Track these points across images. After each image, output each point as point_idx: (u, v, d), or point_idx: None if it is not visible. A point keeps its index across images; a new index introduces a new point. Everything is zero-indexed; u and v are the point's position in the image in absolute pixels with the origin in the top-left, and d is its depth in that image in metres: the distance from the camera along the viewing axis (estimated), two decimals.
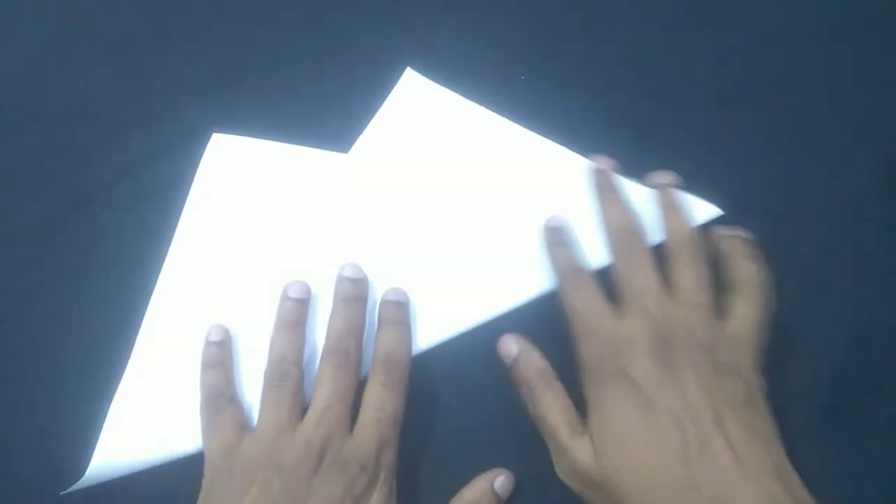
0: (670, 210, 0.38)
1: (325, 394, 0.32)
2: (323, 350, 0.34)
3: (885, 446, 0.35)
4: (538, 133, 0.42)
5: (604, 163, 0.40)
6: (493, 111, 0.43)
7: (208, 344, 0.36)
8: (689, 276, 0.34)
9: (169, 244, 0.40)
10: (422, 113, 0.43)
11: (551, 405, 0.32)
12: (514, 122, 0.43)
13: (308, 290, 0.36)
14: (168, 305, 0.38)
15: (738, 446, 0.28)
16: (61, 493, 0.33)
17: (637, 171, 0.41)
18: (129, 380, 0.36)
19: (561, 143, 0.42)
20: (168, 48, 0.46)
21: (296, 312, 0.36)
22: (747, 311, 0.33)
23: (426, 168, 0.41)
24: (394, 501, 0.32)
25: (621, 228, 0.37)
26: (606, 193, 0.39)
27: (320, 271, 0.38)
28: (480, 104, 0.43)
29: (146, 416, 0.35)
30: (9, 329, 0.38)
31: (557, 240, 0.38)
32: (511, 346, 0.35)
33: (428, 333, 0.37)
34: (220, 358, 0.35)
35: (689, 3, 0.47)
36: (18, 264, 0.40)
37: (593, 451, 0.30)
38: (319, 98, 0.44)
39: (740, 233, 0.37)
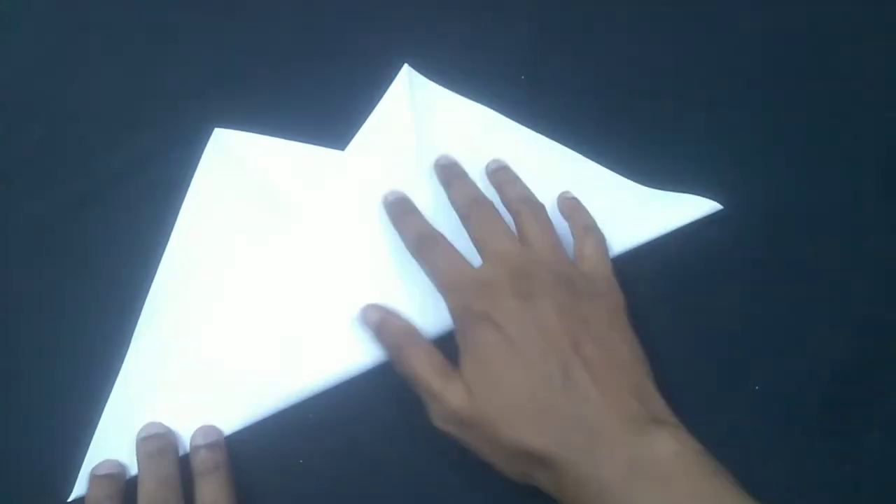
0: (506, 182, 0.40)
1: None
2: None
3: (885, 446, 0.35)
4: (538, 132, 0.42)
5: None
6: (493, 110, 0.43)
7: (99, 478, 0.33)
8: (533, 223, 0.37)
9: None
10: (418, 109, 0.43)
11: (419, 358, 0.33)
12: (514, 121, 0.43)
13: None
14: (165, 299, 0.38)
15: (595, 369, 0.31)
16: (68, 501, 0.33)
17: (637, 170, 0.41)
18: (122, 381, 0.36)
19: (561, 143, 0.42)
20: (168, 48, 0.46)
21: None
22: (593, 246, 0.37)
23: (422, 165, 0.41)
24: None
25: (470, 198, 0.38)
26: (454, 178, 0.40)
27: (315, 267, 0.38)
28: (480, 104, 0.43)
29: (139, 418, 0.35)
30: (8, 329, 0.38)
31: (403, 210, 0.39)
32: (372, 313, 0.36)
33: (425, 328, 0.37)
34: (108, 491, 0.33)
35: (689, 3, 0.47)
36: (18, 264, 0.40)
37: (466, 393, 0.31)
38: (319, 97, 0.44)
39: (567, 195, 0.40)
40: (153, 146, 0.43)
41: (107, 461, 0.34)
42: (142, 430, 0.34)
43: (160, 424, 0.35)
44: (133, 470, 0.34)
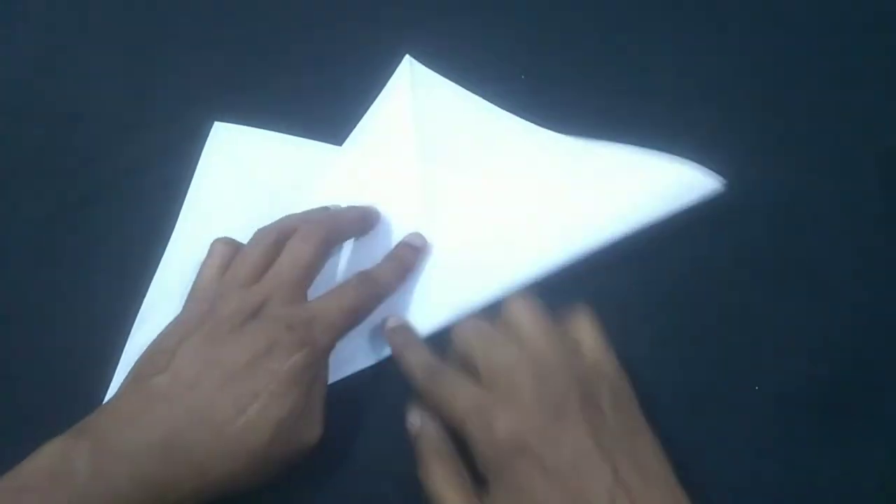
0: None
1: (283, 261, 0.34)
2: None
3: (885, 446, 0.35)
4: None
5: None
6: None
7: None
8: (527, 317, 0.33)
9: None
10: (419, 100, 0.43)
11: (445, 478, 0.31)
12: None
13: None
14: (164, 295, 0.38)
15: (634, 494, 0.28)
16: None
17: None
18: (119, 377, 0.36)
19: None
20: (168, 48, 0.46)
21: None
22: (589, 330, 0.33)
23: (422, 156, 0.41)
24: (319, 373, 0.33)
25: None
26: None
27: None
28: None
29: None
30: (9, 328, 0.38)
31: (404, 341, 0.37)
32: (415, 418, 0.34)
33: (426, 320, 0.37)
34: None
35: (689, 3, 0.47)
36: (18, 264, 0.40)
37: None
38: (318, 92, 0.44)
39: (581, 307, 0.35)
40: (154, 145, 0.43)
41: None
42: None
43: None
44: None
